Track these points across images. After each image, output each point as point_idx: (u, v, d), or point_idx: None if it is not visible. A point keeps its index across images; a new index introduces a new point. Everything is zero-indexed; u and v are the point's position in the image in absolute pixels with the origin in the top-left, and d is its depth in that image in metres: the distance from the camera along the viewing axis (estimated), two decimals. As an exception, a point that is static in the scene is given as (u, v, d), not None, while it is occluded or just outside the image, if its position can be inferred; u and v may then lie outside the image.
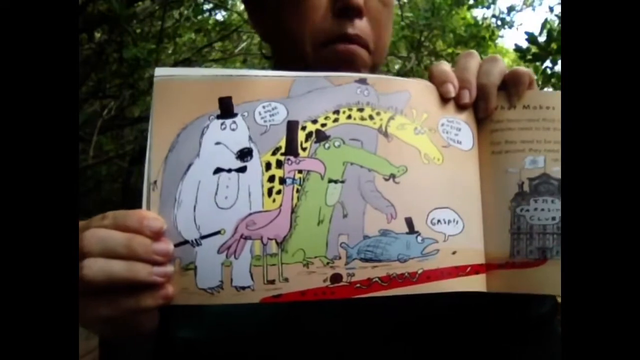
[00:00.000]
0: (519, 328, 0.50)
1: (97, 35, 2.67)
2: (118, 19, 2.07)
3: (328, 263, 0.41)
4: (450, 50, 4.25)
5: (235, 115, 0.42)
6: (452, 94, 0.45)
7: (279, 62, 0.60)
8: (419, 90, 0.45)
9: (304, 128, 0.43)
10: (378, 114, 0.44)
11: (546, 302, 0.50)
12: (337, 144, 0.43)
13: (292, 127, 0.42)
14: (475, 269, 0.43)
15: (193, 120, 0.41)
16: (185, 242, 0.40)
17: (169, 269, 0.38)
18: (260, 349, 0.50)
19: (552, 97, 0.45)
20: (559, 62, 2.53)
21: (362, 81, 0.44)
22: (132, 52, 2.36)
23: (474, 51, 0.48)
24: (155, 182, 0.40)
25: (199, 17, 3.05)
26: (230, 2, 3.54)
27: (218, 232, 0.40)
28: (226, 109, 0.42)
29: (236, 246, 0.40)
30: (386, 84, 0.45)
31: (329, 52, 0.53)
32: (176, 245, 0.39)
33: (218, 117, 0.42)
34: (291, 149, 0.42)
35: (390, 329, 0.50)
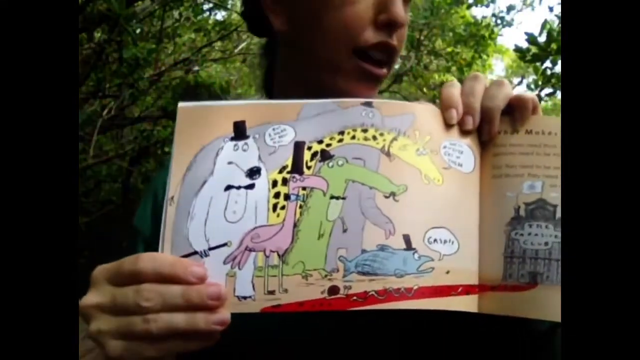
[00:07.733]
0: (518, 343, 0.50)
1: (97, 35, 2.67)
2: (118, 19, 2.07)
3: (326, 275, 0.42)
4: (450, 50, 4.25)
5: (247, 137, 0.45)
6: (455, 120, 0.46)
7: (296, 50, 0.58)
8: (423, 113, 0.47)
9: (309, 148, 0.45)
10: (382, 134, 0.45)
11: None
12: (340, 162, 0.45)
13: (298, 147, 0.45)
14: (466, 290, 0.44)
15: (210, 142, 0.45)
16: (195, 252, 0.42)
17: (226, 316, 0.40)
18: (259, 353, 0.50)
19: (554, 122, 0.46)
20: (559, 62, 2.53)
21: (368, 104, 0.46)
22: (131, 52, 2.36)
23: (480, 74, 0.49)
24: (172, 197, 0.44)
25: (199, 17, 3.05)
26: (230, 2, 3.54)
27: (225, 244, 0.42)
28: (240, 132, 0.45)
29: (240, 257, 0.42)
30: (391, 107, 0.46)
31: (361, 67, 0.54)
32: (186, 256, 0.42)
33: (232, 139, 0.45)
34: (297, 167, 0.44)
35: (384, 341, 0.51)
